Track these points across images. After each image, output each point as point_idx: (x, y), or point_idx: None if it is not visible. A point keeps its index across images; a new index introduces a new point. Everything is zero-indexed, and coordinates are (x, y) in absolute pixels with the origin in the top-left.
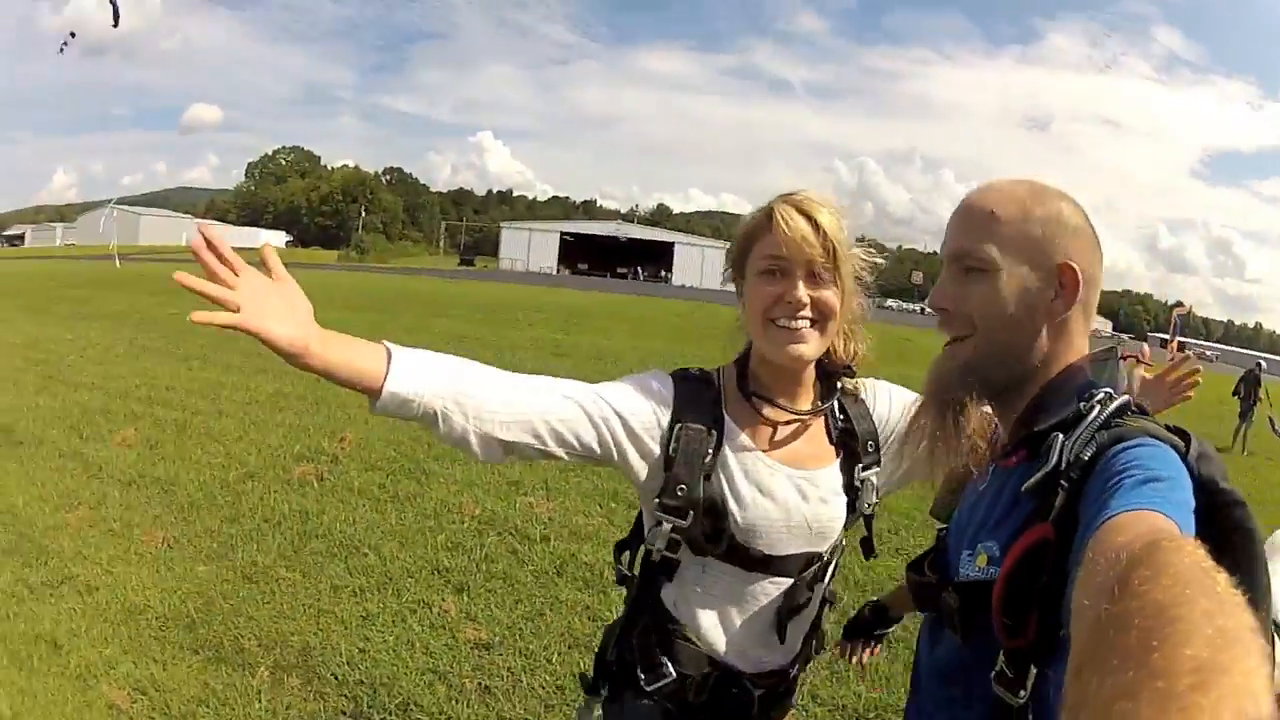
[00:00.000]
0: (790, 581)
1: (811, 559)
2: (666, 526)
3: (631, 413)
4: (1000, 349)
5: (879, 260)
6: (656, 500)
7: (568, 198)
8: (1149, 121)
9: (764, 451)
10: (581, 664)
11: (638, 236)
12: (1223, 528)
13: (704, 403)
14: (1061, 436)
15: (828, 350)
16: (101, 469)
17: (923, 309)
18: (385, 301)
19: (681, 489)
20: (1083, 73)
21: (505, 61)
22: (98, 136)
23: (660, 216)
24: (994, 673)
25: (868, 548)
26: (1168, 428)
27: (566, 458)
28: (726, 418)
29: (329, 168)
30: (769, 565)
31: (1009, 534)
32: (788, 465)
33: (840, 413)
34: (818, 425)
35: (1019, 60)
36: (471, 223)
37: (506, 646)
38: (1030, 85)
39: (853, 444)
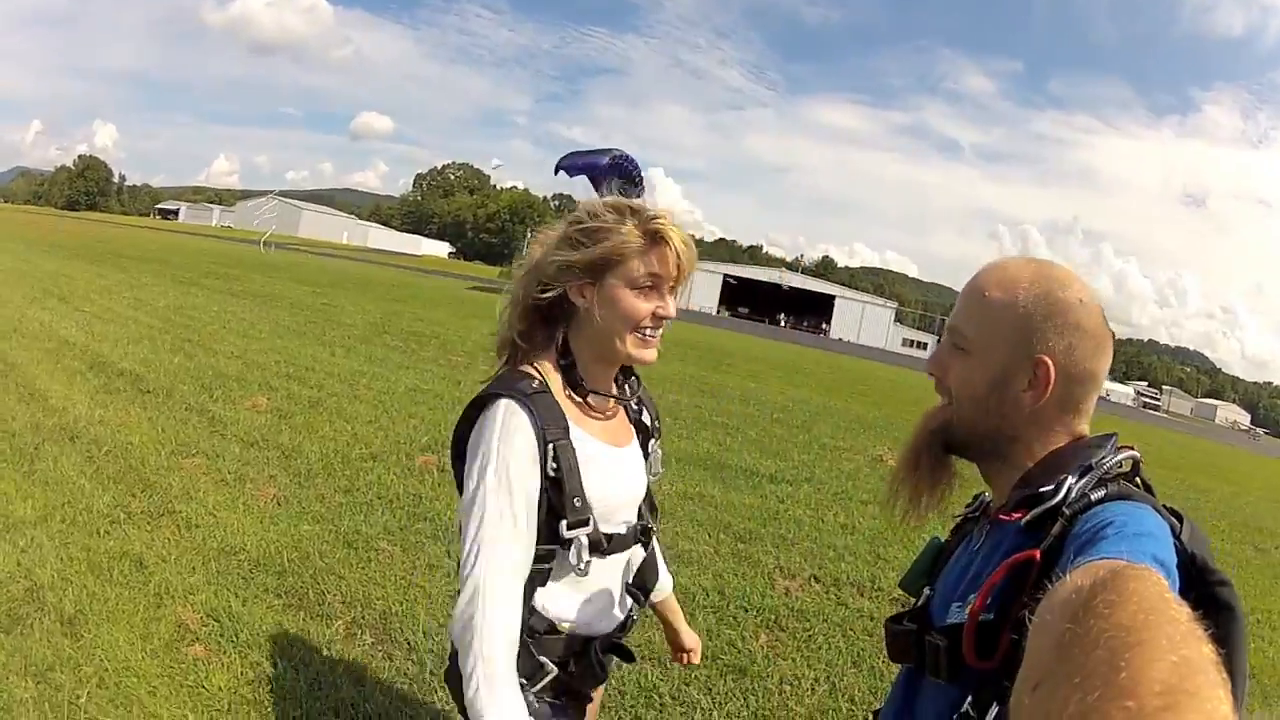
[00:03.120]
0: (634, 549)
1: (644, 527)
2: (583, 539)
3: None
4: (969, 424)
5: None
6: (562, 521)
7: (734, 241)
8: None
9: (601, 441)
10: (651, 676)
11: (800, 286)
12: (1208, 605)
13: (556, 414)
14: (1071, 478)
15: None
16: (226, 427)
17: None
18: None
19: (578, 500)
20: (1238, 147)
21: (678, 102)
22: (264, 131)
23: (824, 268)
24: (957, 715)
25: (653, 509)
26: (1166, 508)
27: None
28: (569, 421)
29: (497, 187)
30: (623, 543)
31: None
32: (618, 448)
33: (631, 392)
34: (620, 408)
35: (1178, 132)
36: None
37: None
38: (1189, 159)
39: (643, 421)
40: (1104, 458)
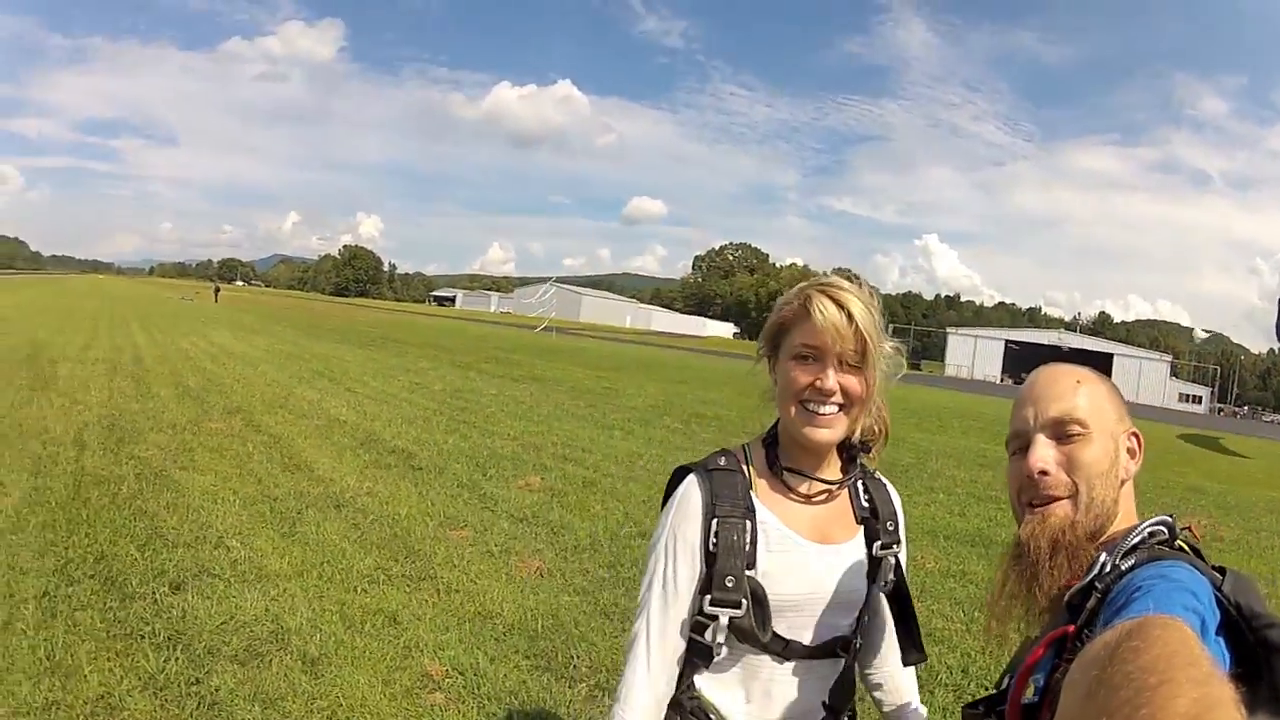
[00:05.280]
0: (828, 662)
1: (842, 639)
2: (724, 620)
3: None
4: (1097, 504)
5: (902, 356)
6: (706, 596)
7: (1013, 304)
8: None
9: (793, 529)
10: None
11: (1079, 346)
12: (1262, 651)
13: (737, 493)
14: (1105, 554)
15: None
16: (497, 503)
17: None
18: None
19: (730, 580)
20: None
21: (942, 163)
22: (536, 219)
23: (1101, 325)
24: None
25: (909, 644)
26: (1212, 566)
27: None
28: (757, 503)
29: (776, 265)
30: (804, 650)
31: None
32: (816, 541)
33: (865, 491)
34: (843, 500)
35: None
36: (920, 326)
37: None
38: None
39: (873, 522)
40: (1139, 531)
